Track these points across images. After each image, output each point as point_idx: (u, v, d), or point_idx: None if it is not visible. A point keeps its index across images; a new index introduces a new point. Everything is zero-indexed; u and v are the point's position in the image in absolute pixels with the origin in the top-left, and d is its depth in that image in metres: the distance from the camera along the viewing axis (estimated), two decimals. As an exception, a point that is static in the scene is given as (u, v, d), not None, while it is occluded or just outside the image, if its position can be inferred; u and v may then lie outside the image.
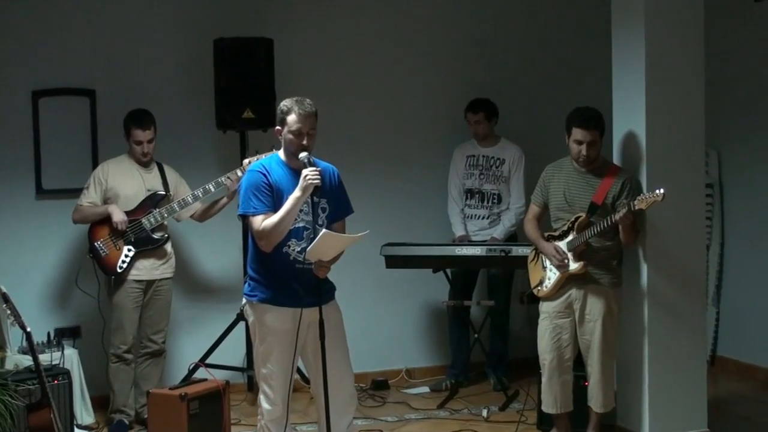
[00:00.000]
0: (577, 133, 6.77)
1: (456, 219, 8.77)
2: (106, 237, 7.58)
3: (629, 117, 7.02)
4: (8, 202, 8.13)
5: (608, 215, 6.62)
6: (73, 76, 8.25)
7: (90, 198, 7.64)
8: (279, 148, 5.97)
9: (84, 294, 7.95)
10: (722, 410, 7.78)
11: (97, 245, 7.59)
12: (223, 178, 7.59)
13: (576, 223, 6.77)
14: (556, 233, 6.94)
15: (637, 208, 6.45)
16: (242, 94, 8.05)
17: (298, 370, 6.15)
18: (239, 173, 7.36)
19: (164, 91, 8.46)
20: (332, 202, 5.89)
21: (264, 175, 5.76)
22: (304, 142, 5.74)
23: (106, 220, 7.56)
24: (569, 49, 9.51)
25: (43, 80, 8.16)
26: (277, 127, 5.82)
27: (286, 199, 5.71)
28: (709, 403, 7.16)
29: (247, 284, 5.94)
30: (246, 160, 7.28)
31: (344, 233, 5.96)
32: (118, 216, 7.53)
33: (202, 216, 7.89)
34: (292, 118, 5.72)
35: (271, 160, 5.89)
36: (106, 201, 7.64)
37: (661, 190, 6.33)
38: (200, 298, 8.65)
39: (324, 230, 5.62)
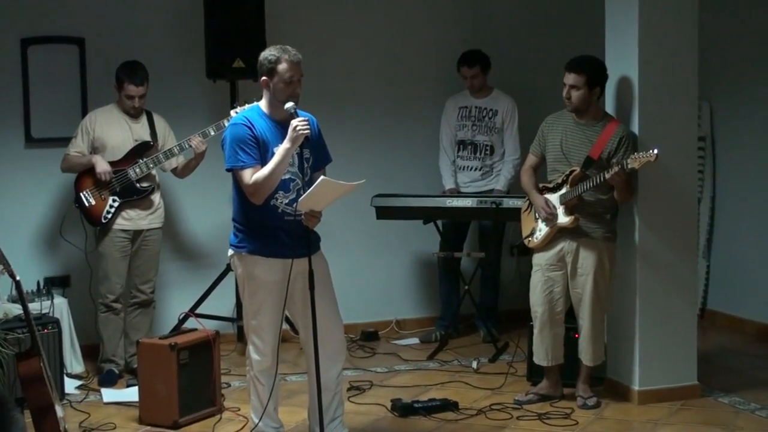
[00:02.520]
0: (565, 75, 6.78)
1: (446, 171, 8.75)
2: (91, 187, 7.55)
3: (622, 68, 6.98)
4: (-3, 151, 8.10)
5: (603, 170, 6.59)
6: (62, 24, 8.19)
7: (77, 147, 7.60)
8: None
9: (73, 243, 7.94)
10: (712, 363, 7.80)
11: (82, 195, 7.55)
12: (197, 134, 7.55)
13: (570, 177, 6.75)
14: (551, 185, 6.92)
15: (629, 167, 6.43)
16: (232, 44, 8.02)
17: (287, 320, 6.14)
18: (225, 123, 7.31)
19: (154, 39, 8.41)
20: (314, 152, 5.86)
21: (248, 127, 5.71)
22: (297, 89, 5.70)
23: (92, 170, 7.52)
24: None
25: (32, 28, 8.10)
26: (264, 78, 5.75)
27: (271, 151, 5.69)
28: (698, 356, 7.18)
29: (233, 236, 5.90)
30: (233, 112, 7.24)
31: None
32: (102, 167, 7.49)
33: (183, 171, 7.85)
34: (283, 66, 5.68)
35: (252, 112, 5.84)
36: (93, 151, 7.60)
37: (655, 151, 6.32)
38: (190, 249, 8.64)
39: (321, 177, 5.58)
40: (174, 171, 7.86)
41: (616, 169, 6.49)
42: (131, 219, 7.63)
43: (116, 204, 7.56)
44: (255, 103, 5.99)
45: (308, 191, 5.55)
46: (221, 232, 7.94)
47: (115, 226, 7.59)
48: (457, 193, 8.58)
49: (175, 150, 7.61)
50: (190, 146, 7.57)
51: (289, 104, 5.66)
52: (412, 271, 9.31)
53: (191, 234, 8.64)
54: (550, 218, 6.83)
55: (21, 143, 8.15)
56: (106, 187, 7.53)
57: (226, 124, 7.17)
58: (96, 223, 7.61)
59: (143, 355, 6.74)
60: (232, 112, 7.21)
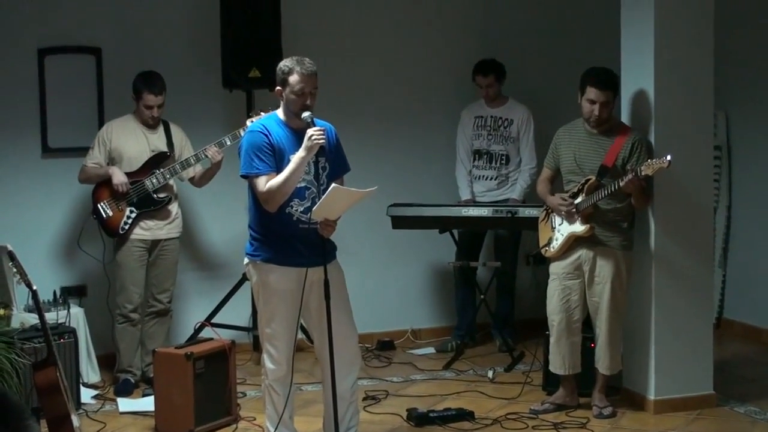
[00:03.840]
0: (591, 93, 6.73)
1: (463, 182, 8.74)
2: (108, 198, 7.56)
3: (638, 78, 6.98)
4: (14, 161, 8.11)
5: (618, 177, 6.59)
6: (79, 34, 8.21)
7: (94, 158, 7.62)
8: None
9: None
10: (728, 372, 7.77)
11: (100, 206, 7.57)
12: (213, 145, 7.55)
13: (586, 186, 6.75)
14: (567, 195, 6.91)
15: (643, 174, 6.43)
16: (249, 53, 8.03)
17: (302, 329, 6.14)
18: (241, 133, 7.34)
19: (170, 49, 8.43)
20: (331, 161, 5.86)
21: (265, 135, 5.74)
22: (308, 101, 5.71)
23: (109, 181, 7.53)
24: (578, 6, 9.45)
25: (49, 38, 8.12)
26: (278, 88, 5.78)
27: (287, 159, 5.70)
28: (714, 365, 7.17)
29: (249, 244, 5.91)
30: (249, 121, 7.27)
31: None
32: (118, 178, 7.51)
33: (201, 180, 7.86)
34: (294, 78, 5.69)
35: (270, 120, 5.86)
36: (110, 161, 7.62)
37: (668, 157, 6.32)
38: (206, 258, 8.65)
39: (333, 185, 5.58)
40: (192, 180, 7.88)
41: (628, 177, 6.48)
42: (149, 229, 7.65)
43: (133, 215, 7.58)
44: (272, 112, 6.00)
45: (321, 200, 5.55)
46: (237, 242, 7.94)
47: (133, 236, 7.60)
48: (472, 203, 8.58)
49: (192, 160, 7.61)
50: (207, 156, 7.59)
51: (306, 114, 5.68)
52: (428, 280, 9.31)
53: (208, 243, 8.66)
54: (571, 213, 6.82)
55: (38, 153, 8.17)
56: (124, 198, 7.54)
57: (242, 134, 7.21)
58: (113, 234, 7.63)
59: (159, 364, 6.75)
60: (248, 122, 7.24)
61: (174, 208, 7.77)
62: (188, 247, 8.41)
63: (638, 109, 6.99)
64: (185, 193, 8.17)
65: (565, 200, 6.85)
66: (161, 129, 7.75)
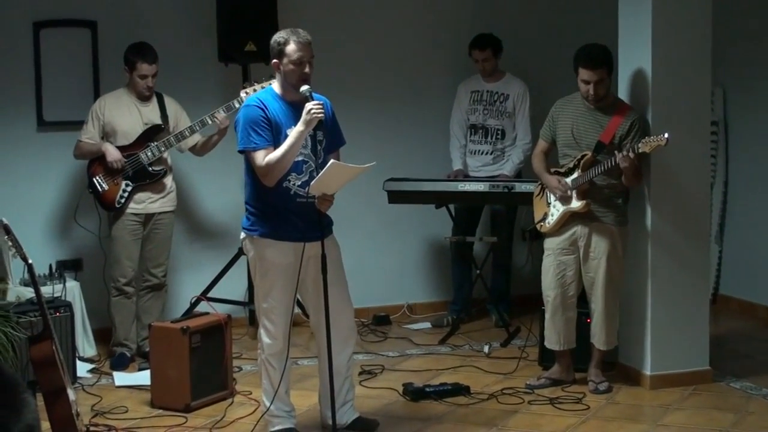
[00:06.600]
0: (584, 74, 6.69)
1: (455, 154, 8.73)
2: (104, 173, 7.55)
3: (635, 54, 6.95)
4: (9, 134, 8.08)
5: (614, 154, 6.57)
6: (74, 8, 8.18)
7: (88, 134, 7.60)
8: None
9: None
10: (724, 348, 7.79)
11: (95, 181, 7.56)
12: (221, 109, 7.51)
13: (581, 161, 6.73)
14: (562, 169, 6.90)
15: (640, 151, 6.40)
16: (245, 27, 8.01)
17: (299, 304, 6.14)
18: (237, 104, 7.32)
19: (166, 23, 8.40)
20: (327, 134, 5.85)
21: (261, 109, 5.71)
22: (306, 69, 5.69)
23: (104, 156, 7.52)
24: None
25: (45, 11, 8.09)
26: (274, 60, 5.75)
27: (284, 132, 5.68)
28: (710, 341, 7.17)
29: (246, 218, 5.91)
30: (243, 92, 7.24)
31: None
32: (112, 155, 7.49)
33: (201, 149, 7.84)
34: (291, 47, 5.67)
35: (266, 94, 5.84)
36: (104, 136, 7.60)
37: (666, 135, 6.29)
38: (202, 232, 8.64)
39: (332, 161, 5.57)
40: (193, 149, 7.85)
41: (622, 155, 6.45)
42: (142, 202, 7.63)
43: (129, 188, 7.56)
44: (271, 82, 5.98)
45: (319, 175, 5.55)
46: (233, 216, 7.97)
47: (128, 210, 7.59)
48: (463, 175, 8.57)
49: (186, 132, 7.58)
50: (215, 121, 7.51)
51: (305, 87, 5.66)
52: (424, 255, 9.31)
53: (203, 217, 8.65)
54: (565, 196, 6.81)
55: (33, 127, 8.14)
56: (119, 172, 7.53)
57: (236, 105, 7.21)
58: (110, 208, 7.61)
59: (155, 338, 6.74)
60: (242, 92, 7.21)
61: (168, 181, 7.75)
62: (184, 221, 8.40)
63: (635, 86, 6.97)
64: (181, 166, 8.16)
65: (562, 185, 6.83)
66: (155, 101, 7.72)
